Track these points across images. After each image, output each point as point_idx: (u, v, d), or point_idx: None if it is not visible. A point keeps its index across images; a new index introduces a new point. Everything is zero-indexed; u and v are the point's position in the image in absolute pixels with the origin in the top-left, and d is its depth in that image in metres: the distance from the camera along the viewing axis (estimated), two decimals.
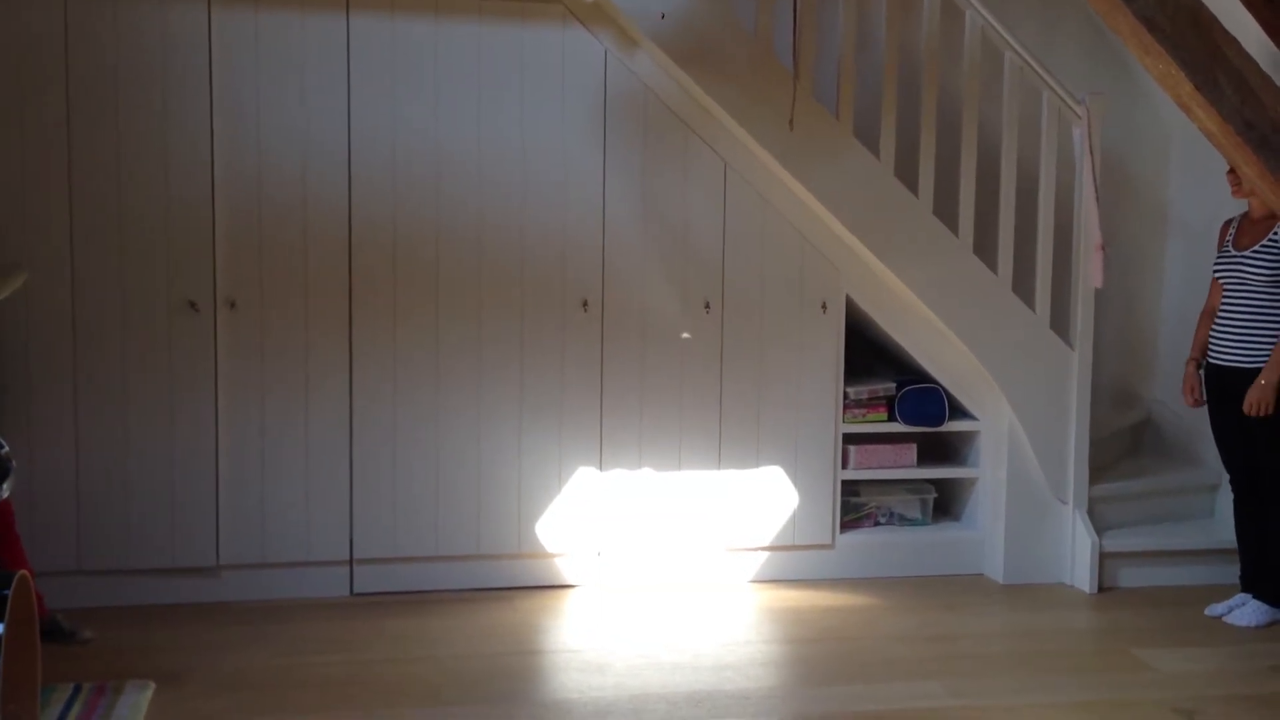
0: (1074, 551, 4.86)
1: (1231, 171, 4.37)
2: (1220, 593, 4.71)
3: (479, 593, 4.59)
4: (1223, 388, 4.47)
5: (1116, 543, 4.86)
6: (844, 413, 4.82)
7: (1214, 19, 3.35)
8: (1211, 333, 4.51)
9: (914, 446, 4.96)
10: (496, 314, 4.55)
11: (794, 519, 4.82)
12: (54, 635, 3.93)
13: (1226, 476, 5.20)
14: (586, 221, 4.57)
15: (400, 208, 4.44)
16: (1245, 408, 4.29)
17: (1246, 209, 4.49)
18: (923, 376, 4.93)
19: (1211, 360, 4.52)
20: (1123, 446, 5.49)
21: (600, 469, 4.66)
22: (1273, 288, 4.32)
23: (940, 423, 4.92)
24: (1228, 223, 4.57)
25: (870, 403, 4.88)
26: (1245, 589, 4.55)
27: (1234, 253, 4.44)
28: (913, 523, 5.04)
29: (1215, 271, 4.53)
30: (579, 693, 3.74)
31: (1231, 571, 4.74)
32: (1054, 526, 4.88)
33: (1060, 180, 4.82)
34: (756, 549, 4.82)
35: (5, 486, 3.09)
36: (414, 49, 4.40)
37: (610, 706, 3.66)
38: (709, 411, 4.72)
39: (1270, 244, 4.33)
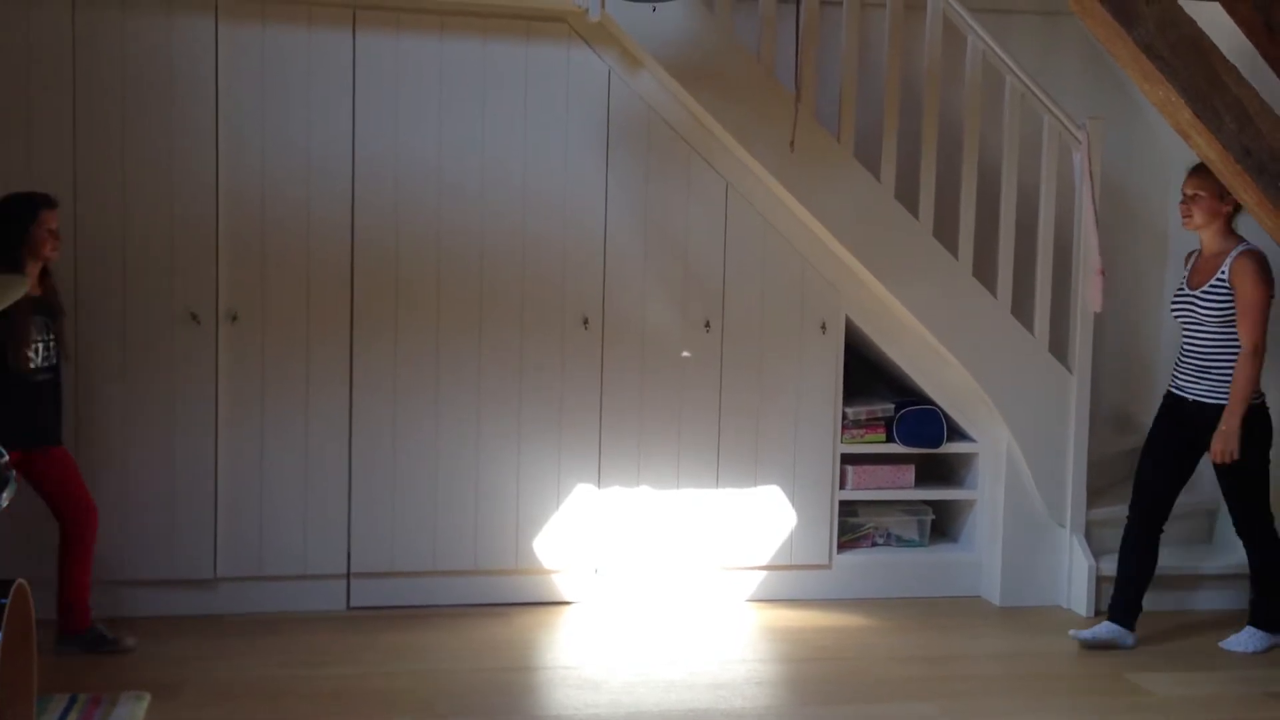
0: (1071, 574, 4.86)
1: (1184, 201, 4.31)
2: (1218, 617, 4.72)
3: (475, 608, 4.59)
4: (1175, 414, 4.40)
5: (1113, 566, 4.84)
6: (842, 433, 4.83)
7: (1214, 47, 3.37)
8: (1175, 365, 4.45)
9: (912, 468, 4.96)
10: (497, 330, 4.56)
11: (791, 538, 4.82)
12: (97, 645, 3.94)
13: (1224, 503, 5.21)
14: (588, 239, 4.59)
15: (402, 223, 4.46)
16: (1214, 457, 4.23)
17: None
18: (921, 398, 4.94)
19: (1172, 389, 4.44)
20: (1120, 470, 5.47)
21: (599, 486, 4.67)
22: (1223, 327, 4.24)
23: (938, 444, 4.92)
24: (1190, 255, 4.49)
25: (869, 423, 4.88)
26: (1114, 619, 4.44)
27: (1187, 291, 4.36)
28: (910, 544, 5.04)
29: (1171, 308, 4.48)
30: (574, 710, 3.74)
31: (1230, 596, 4.74)
32: (1051, 549, 4.88)
33: (1060, 204, 4.84)
34: (753, 568, 4.82)
35: (4, 496, 3.09)
36: (419, 66, 4.43)
37: None
38: (708, 430, 4.73)
39: (1218, 284, 4.24)
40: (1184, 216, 4.32)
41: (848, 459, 4.87)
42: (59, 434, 4.00)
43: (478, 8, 4.41)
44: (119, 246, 4.26)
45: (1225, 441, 4.20)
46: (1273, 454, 4.39)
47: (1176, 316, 4.43)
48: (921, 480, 5.03)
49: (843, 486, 4.86)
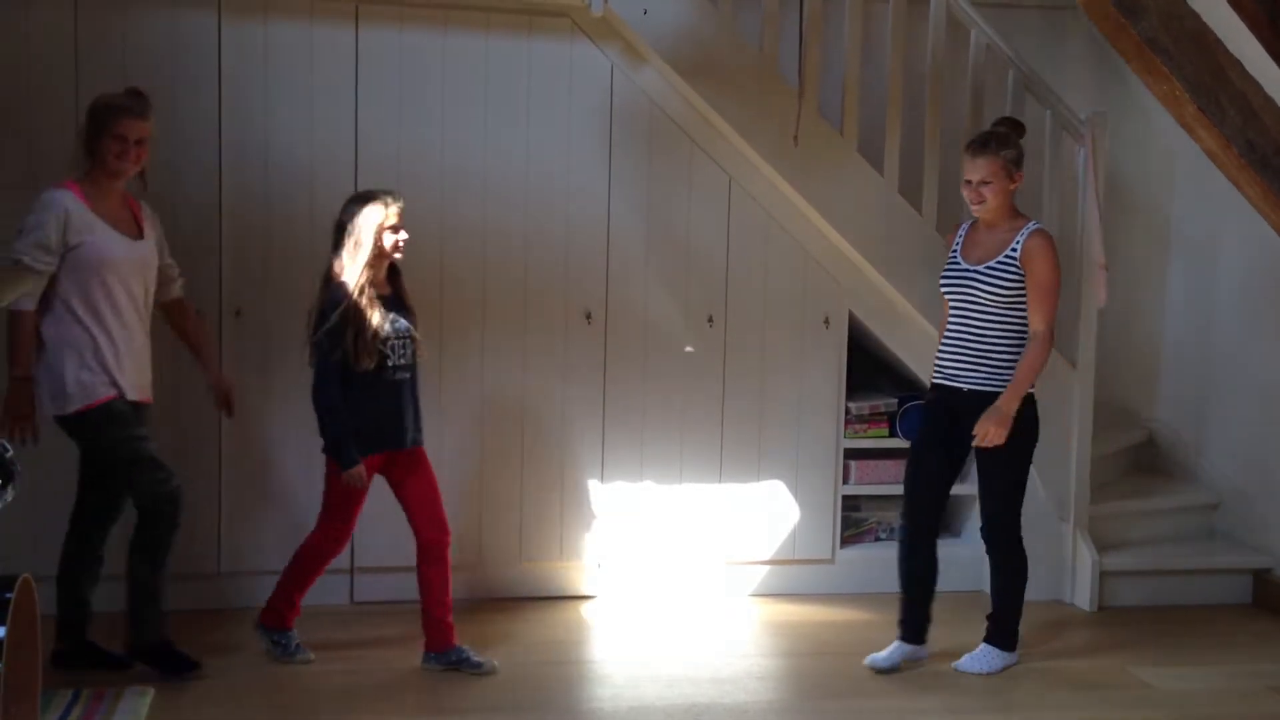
0: (1074, 569, 4.86)
1: (971, 186, 3.90)
2: (1219, 612, 4.72)
3: (478, 602, 4.59)
4: (946, 406, 4.03)
5: (1116, 561, 4.86)
6: (845, 428, 4.83)
7: (1218, 41, 3.37)
8: (940, 350, 4.07)
9: None
10: (500, 324, 4.56)
11: (794, 533, 4.83)
12: (459, 665, 3.95)
13: (1225, 497, 5.21)
14: (591, 234, 4.59)
15: (405, 217, 4.45)
16: (978, 436, 3.86)
17: (975, 217, 4.05)
18: (925, 392, 4.93)
19: (937, 380, 4.06)
20: (1123, 465, 5.49)
21: (601, 480, 4.67)
22: (1006, 308, 3.92)
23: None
24: (956, 227, 4.16)
25: (872, 418, 4.88)
26: (908, 638, 4.10)
27: (964, 266, 3.97)
28: None
29: (942, 285, 4.04)
30: (577, 703, 3.74)
31: (1231, 590, 4.74)
32: (1054, 544, 4.87)
33: (1063, 199, 4.83)
34: (757, 563, 4.83)
35: (9, 490, 3.09)
36: (422, 61, 4.43)
37: (608, 718, 3.66)
38: (711, 424, 4.73)
39: (1007, 262, 3.90)
40: (974, 202, 3.92)
41: (851, 453, 4.87)
42: (419, 435, 3.93)
43: (480, 3, 4.41)
44: None
45: (999, 423, 3.84)
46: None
47: (950, 294, 4.00)
48: None
49: (846, 481, 4.86)
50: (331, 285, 3.78)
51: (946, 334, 4.03)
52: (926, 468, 4.07)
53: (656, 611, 4.61)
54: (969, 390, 3.96)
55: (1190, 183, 5.39)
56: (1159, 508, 5.18)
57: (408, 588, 4.53)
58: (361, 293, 3.75)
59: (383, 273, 3.85)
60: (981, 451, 3.95)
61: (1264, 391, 5.03)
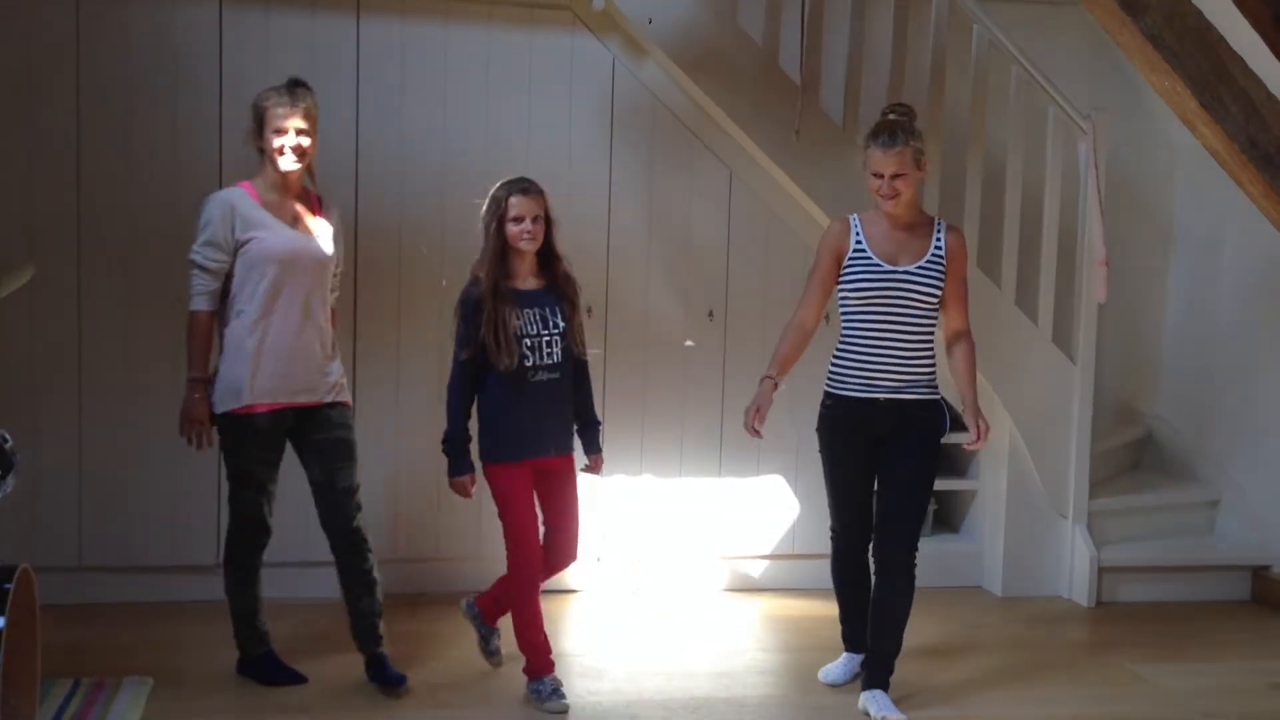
0: (1073, 565, 4.86)
1: (884, 178, 3.57)
2: (1218, 609, 4.72)
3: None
4: (860, 419, 3.70)
5: (1115, 557, 4.86)
6: None
7: (1221, 38, 3.37)
8: (851, 359, 3.69)
9: None
10: None
11: (794, 528, 4.83)
12: (482, 638, 3.94)
13: (1225, 494, 5.21)
14: (591, 227, 4.59)
15: (405, 211, 4.46)
16: (979, 437, 3.69)
17: (871, 215, 3.71)
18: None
19: (846, 394, 3.70)
20: (1123, 461, 5.49)
21: (601, 474, 4.66)
22: (932, 311, 3.66)
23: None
24: (843, 223, 3.73)
25: None
26: (855, 649, 3.92)
27: (890, 268, 3.62)
28: None
29: (863, 289, 3.64)
30: (576, 698, 3.74)
31: (1229, 587, 4.73)
32: (1053, 540, 4.88)
33: (1064, 195, 4.83)
34: (756, 557, 4.83)
35: (9, 481, 3.10)
36: (423, 54, 4.42)
37: (607, 712, 3.66)
38: (710, 419, 4.73)
39: (936, 261, 3.64)
40: (888, 197, 3.59)
41: None
42: (567, 443, 3.71)
43: None
44: (124, 236, 4.26)
45: (988, 427, 3.73)
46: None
47: (874, 298, 3.63)
48: None
49: None
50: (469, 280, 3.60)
51: (857, 341, 3.68)
52: (850, 473, 3.79)
53: (655, 605, 4.61)
54: (886, 400, 3.66)
55: (1192, 179, 5.39)
56: (1158, 504, 5.18)
57: (407, 581, 4.55)
58: (494, 288, 3.51)
59: (525, 264, 3.58)
60: (904, 462, 3.70)
61: (1264, 388, 5.03)
